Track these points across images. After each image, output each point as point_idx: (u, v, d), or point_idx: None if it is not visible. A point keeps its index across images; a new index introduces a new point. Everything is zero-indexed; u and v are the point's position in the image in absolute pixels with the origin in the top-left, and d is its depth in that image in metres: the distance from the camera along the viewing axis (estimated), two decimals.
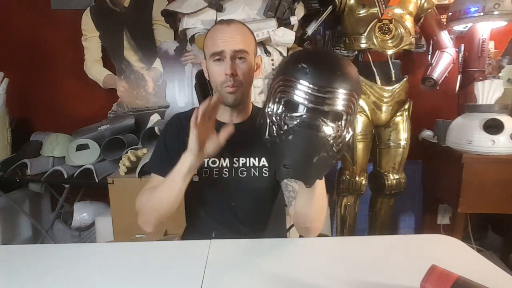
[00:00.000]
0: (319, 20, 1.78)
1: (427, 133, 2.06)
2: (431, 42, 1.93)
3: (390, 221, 2.01)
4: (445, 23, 1.96)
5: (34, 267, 0.71)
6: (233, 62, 0.90)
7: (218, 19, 1.59)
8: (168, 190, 0.84)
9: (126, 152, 1.75)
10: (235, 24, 0.95)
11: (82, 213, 2.10)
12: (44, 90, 2.24)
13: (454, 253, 0.78)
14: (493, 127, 1.53)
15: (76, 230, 2.06)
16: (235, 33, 0.92)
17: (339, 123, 0.69)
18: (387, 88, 1.74)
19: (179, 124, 0.99)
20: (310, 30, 1.79)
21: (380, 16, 1.68)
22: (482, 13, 1.67)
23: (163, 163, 0.95)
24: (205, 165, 0.96)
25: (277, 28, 1.56)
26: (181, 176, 0.81)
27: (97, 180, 1.75)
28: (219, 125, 1.00)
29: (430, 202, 2.25)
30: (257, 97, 1.64)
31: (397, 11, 1.69)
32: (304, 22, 1.84)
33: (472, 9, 1.69)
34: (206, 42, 0.95)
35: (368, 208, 2.03)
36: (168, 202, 0.85)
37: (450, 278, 0.55)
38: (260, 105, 1.12)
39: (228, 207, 0.97)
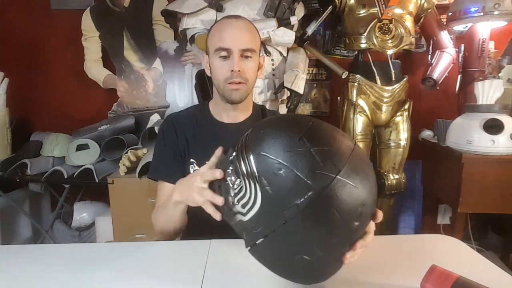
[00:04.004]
0: (319, 20, 1.79)
1: (427, 133, 2.06)
2: (431, 42, 1.93)
3: (390, 221, 2.01)
4: (445, 23, 1.96)
5: (34, 267, 0.71)
6: (240, 59, 0.89)
7: (218, 19, 1.59)
8: (166, 213, 0.84)
9: (126, 152, 1.75)
10: (243, 20, 0.92)
11: (82, 213, 2.10)
12: (44, 90, 2.24)
13: (454, 253, 0.78)
14: (493, 127, 1.52)
15: (76, 230, 2.06)
16: (244, 29, 0.90)
17: None
18: (387, 88, 1.74)
19: (175, 124, 0.97)
20: (310, 30, 1.79)
21: (380, 16, 1.68)
22: (482, 13, 1.67)
23: (169, 168, 0.94)
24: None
25: (277, 28, 1.56)
26: (172, 202, 0.80)
27: (97, 180, 1.75)
28: (221, 126, 0.99)
29: (430, 202, 2.25)
30: (257, 97, 1.64)
31: (397, 11, 1.69)
32: (304, 22, 1.84)
33: (472, 9, 1.69)
34: (212, 36, 0.92)
35: None
36: (172, 224, 0.85)
37: (450, 278, 0.55)
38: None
39: None
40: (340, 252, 0.56)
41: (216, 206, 0.65)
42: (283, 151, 0.53)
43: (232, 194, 0.59)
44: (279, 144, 0.54)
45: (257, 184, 0.54)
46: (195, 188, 0.68)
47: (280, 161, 0.52)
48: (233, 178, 0.59)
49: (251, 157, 0.56)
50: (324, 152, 0.52)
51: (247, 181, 0.56)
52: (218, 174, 0.63)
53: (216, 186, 0.65)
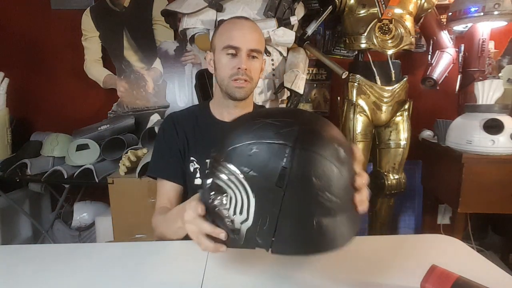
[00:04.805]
0: (319, 20, 1.79)
1: (427, 133, 2.06)
2: (431, 42, 1.93)
3: (390, 221, 2.01)
4: (445, 23, 1.96)
5: (34, 267, 0.71)
6: (247, 59, 0.92)
7: (218, 19, 1.59)
8: (169, 229, 0.81)
9: (126, 152, 1.75)
10: (252, 22, 0.97)
11: (82, 213, 2.10)
12: (44, 90, 2.24)
13: (454, 253, 0.78)
14: (493, 127, 1.52)
15: (76, 230, 2.06)
16: (253, 30, 0.94)
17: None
18: (387, 88, 1.74)
19: (175, 123, 0.98)
20: (310, 30, 1.79)
21: (380, 16, 1.68)
22: (482, 13, 1.67)
23: (168, 166, 0.95)
24: (207, 167, 0.96)
25: (277, 28, 1.56)
26: (177, 227, 0.76)
27: (97, 180, 1.75)
28: (221, 125, 1.00)
29: (430, 202, 2.25)
30: (257, 97, 1.64)
31: (397, 11, 1.69)
32: (304, 22, 1.84)
33: (472, 9, 1.69)
34: (221, 34, 0.94)
35: (368, 208, 2.03)
36: (176, 236, 0.82)
37: (450, 278, 0.55)
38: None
39: None
40: (348, 197, 0.60)
41: (219, 240, 0.57)
42: (245, 134, 0.55)
43: (227, 214, 0.55)
44: (238, 133, 0.57)
45: (241, 179, 0.53)
46: (187, 221, 0.61)
47: (247, 142, 0.54)
48: (218, 198, 0.56)
49: (223, 161, 0.55)
50: (279, 116, 0.56)
51: (232, 185, 0.54)
52: (200, 209, 0.58)
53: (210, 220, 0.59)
